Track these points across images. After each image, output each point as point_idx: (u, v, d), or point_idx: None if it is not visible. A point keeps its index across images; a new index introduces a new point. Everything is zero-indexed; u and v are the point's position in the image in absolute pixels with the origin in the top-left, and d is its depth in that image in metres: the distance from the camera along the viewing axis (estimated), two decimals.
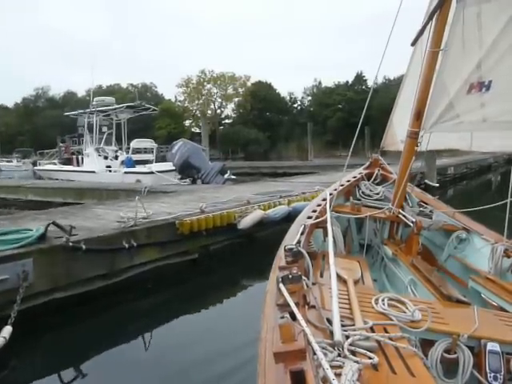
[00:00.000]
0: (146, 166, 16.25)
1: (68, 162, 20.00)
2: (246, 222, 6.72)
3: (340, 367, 1.39)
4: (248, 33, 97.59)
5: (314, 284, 2.27)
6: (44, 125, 46.21)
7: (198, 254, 6.40)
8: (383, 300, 2.11)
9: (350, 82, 51.42)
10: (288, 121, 53.44)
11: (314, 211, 3.64)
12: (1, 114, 53.90)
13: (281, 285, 1.92)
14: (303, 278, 2.05)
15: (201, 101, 52.40)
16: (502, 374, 1.82)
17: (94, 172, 17.17)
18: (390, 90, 36.00)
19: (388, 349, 1.68)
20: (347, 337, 1.64)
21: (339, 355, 1.51)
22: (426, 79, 3.57)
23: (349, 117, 45.43)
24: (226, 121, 55.78)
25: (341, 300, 1.97)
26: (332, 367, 1.31)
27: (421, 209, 4.14)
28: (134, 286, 5.29)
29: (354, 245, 4.21)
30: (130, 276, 5.37)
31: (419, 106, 3.64)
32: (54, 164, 20.57)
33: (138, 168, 16.43)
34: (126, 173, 16.28)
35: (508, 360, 1.86)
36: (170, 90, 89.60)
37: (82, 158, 18.81)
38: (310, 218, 3.45)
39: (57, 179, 18.06)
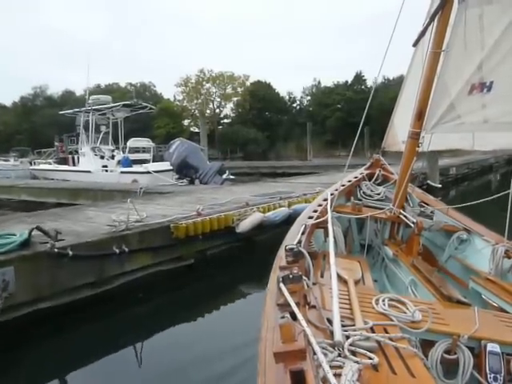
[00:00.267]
0: (143, 165, 15.95)
1: (63, 161, 19.68)
2: (244, 226, 6.49)
3: (340, 367, 1.40)
4: (248, 33, 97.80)
5: (314, 284, 2.28)
6: (42, 124, 45.92)
7: (194, 260, 6.13)
8: (383, 300, 2.12)
9: (349, 82, 51.23)
10: (287, 120, 53.35)
11: (315, 211, 3.65)
12: None
13: (281, 284, 1.93)
14: (304, 277, 2.06)
15: (199, 100, 52.23)
16: (502, 374, 1.83)
17: (89, 172, 16.92)
18: (389, 90, 35.92)
19: (388, 349, 1.68)
20: (347, 337, 1.65)
21: (339, 355, 1.52)
22: (428, 80, 3.60)
23: (348, 117, 45.50)
24: (225, 120, 55.64)
25: (341, 300, 1.98)
26: (332, 367, 1.33)
27: (422, 209, 4.15)
28: (125, 294, 5.04)
29: (355, 245, 4.21)
30: (120, 284, 5.12)
31: (420, 106, 3.66)
32: (49, 164, 20.15)
33: (135, 168, 16.21)
34: (122, 172, 16.07)
35: (508, 361, 1.87)
36: (168, 90, 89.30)
37: (78, 158, 18.42)
38: (310, 217, 3.46)
39: (52, 179, 17.80)
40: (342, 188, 4.35)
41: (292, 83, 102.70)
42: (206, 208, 6.91)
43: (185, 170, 14.89)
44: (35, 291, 4.24)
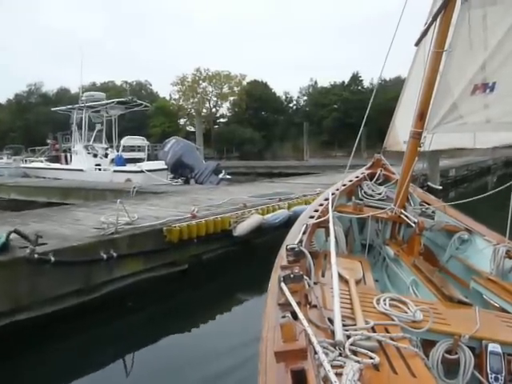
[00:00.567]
0: (137, 164, 15.59)
1: (56, 159, 19.23)
2: (242, 228, 6.20)
3: (341, 367, 1.40)
4: (245, 32, 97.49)
5: (315, 283, 2.29)
6: (36, 121, 45.48)
7: (189, 265, 5.83)
8: (385, 300, 2.13)
9: (345, 83, 51.05)
10: (283, 120, 53.18)
11: (316, 211, 3.68)
12: None
13: (282, 284, 1.94)
14: (305, 277, 2.07)
15: (196, 99, 51.88)
16: (503, 375, 1.84)
17: (82, 170, 16.58)
18: (386, 90, 35.79)
19: (389, 349, 1.69)
20: (348, 336, 1.66)
21: (340, 355, 1.53)
22: (430, 80, 3.62)
23: (345, 117, 45.65)
24: (221, 120, 55.37)
25: (342, 300, 1.99)
26: (333, 367, 1.33)
27: (423, 209, 4.18)
28: (114, 302, 4.73)
29: (356, 245, 4.23)
30: (108, 291, 4.83)
31: (422, 106, 3.68)
32: (41, 162, 19.69)
33: (128, 167, 15.91)
34: (115, 171, 15.79)
35: (509, 361, 1.88)
36: (164, 89, 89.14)
37: (71, 156, 17.99)
38: (312, 217, 3.48)
39: (44, 177, 17.34)
40: (343, 188, 4.35)
41: (289, 83, 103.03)
42: (202, 209, 6.67)
43: (180, 170, 14.65)
44: (12, 301, 3.94)
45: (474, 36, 3.40)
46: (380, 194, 4.64)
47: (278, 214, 6.76)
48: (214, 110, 53.67)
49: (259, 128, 48.94)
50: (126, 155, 16.85)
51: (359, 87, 50.55)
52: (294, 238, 2.85)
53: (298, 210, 6.26)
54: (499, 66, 3.27)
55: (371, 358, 1.54)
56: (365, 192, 4.66)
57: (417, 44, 4.17)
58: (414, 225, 3.63)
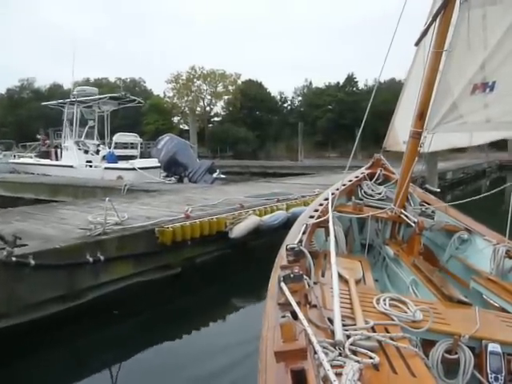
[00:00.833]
0: (129, 161, 15.21)
1: (46, 155, 18.78)
2: (238, 230, 5.95)
3: (341, 367, 1.41)
4: (242, 32, 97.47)
5: (315, 283, 2.29)
6: (28, 117, 45.06)
7: (182, 268, 5.57)
8: (384, 300, 2.14)
9: (340, 84, 51.03)
10: (278, 120, 53.15)
11: (316, 210, 3.70)
12: None
13: (282, 284, 1.95)
14: (305, 277, 2.08)
15: (190, 97, 51.62)
16: (503, 374, 1.85)
17: (72, 167, 16.21)
18: (381, 92, 35.56)
19: (389, 349, 1.70)
20: (348, 336, 1.66)
21: (340, 355, 1.53)
22: (429, 80, 3.65)
23: (339, 118, 45.76)
24: (215, 119, 55.09)
25: (342, 300, 2.00)
26: (333, 367, 1.34)
27: (423, 209, 4.19)
28: (101, 309, 4.44)
29: (356, 244, 4.26)
30: (95, 297, 4.55)
31: (422, 106, 3.71)
32: (30, 157, 19.20)
33: (120, 164, 15.54)
34: (106, 168, 15.48)
35: (509, 361, 1.89)
36: (159, 86, 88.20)
37: (61, 152, 17.50)
38: (311, 217, 3.50)
39: (32, 173, 16.87)
40: (343, 187, 4.36)
41: (284, 83, 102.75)
42: (196, 210, 6.41)
43: (173, 168, 14.40)
44: None
45: (473, 36, 3.44)
46: (380, 193, 4.67)
47: (276, 215, 6.57)
48: (208, 108, 53.50)
49: (253, 127, 48.87)
50: (118, 152, 16.58)
51: (354, 88, 50.63)
52: (293, 237, 2.87)
53: (297, 212, 6.08)
54: (499, 65, 3.32)
55: (371, 358, 1.54)
56: (365, 192, 4.69)
57: (417, 44, 4.22)
58: (413, 224, 3.66)
